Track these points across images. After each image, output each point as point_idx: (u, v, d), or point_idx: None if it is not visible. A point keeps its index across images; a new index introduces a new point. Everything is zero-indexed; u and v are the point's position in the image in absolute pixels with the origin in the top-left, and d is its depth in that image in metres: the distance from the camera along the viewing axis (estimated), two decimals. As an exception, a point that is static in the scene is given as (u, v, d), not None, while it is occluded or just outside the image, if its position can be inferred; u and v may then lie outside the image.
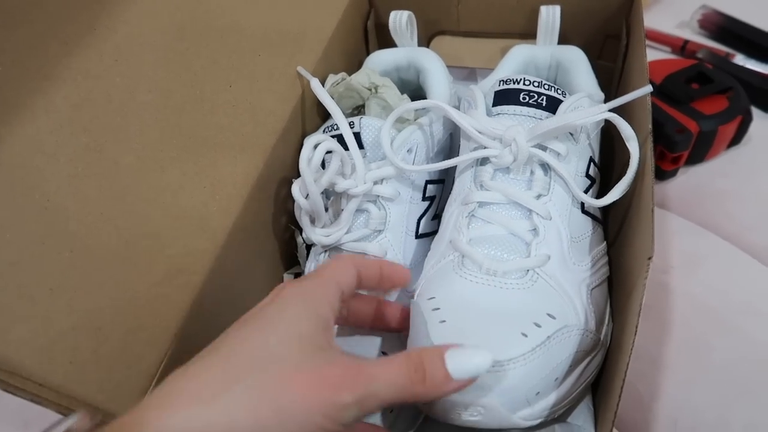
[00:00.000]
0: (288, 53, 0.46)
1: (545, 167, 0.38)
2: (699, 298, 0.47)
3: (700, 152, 0.55)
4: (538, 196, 0.37)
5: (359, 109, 0.50)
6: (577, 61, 0.46)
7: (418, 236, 0.44)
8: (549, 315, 0.33)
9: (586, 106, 0.39)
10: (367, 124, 0.43)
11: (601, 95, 0.44)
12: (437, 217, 0.46)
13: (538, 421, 0.32)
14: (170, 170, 0.36)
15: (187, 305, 0.36)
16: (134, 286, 0.33)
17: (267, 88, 0.44)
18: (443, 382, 0.27)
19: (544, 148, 0.38)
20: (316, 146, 0.40)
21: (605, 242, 0.41)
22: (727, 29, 0.68)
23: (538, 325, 0.32)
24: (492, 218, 0.37)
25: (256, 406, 0.23)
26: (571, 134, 0.39)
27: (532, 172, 0.38)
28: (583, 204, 0.39)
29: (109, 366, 0.31)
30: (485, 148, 0.38)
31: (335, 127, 0.44)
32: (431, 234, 0.44)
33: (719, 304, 0.47)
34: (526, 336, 0.31)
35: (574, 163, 0.39)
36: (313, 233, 0.42)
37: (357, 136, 0.43)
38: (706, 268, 0.49)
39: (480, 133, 0.38)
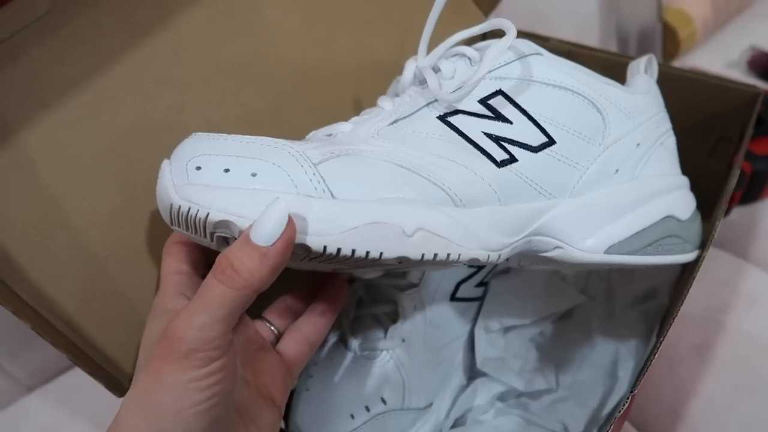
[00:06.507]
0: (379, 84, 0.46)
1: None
2: (757, 338, 0.47)
3: (753, 192, 0.55)
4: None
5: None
6: None
7: (453, 298, 0.43)
8: None
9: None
10: None
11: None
12: (482, 285, 0.45)
13: None
14: None
15: None
16: (137, 241, 0.35)
17: (348, 106, 0.45)
18: (261, 257, 0.25)
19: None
20: None
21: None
22: (776, 70, 0.68)
23: None
24: None
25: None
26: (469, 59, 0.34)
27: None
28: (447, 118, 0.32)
29: (97, 293, 0.34)
30: None
31: None
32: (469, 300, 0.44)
33: (778, 344, 0.46)
34: None
35: (457, 80, 0.33)
36: None
37: None
38: (763, 308, 0.49)
39: None
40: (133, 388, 0.26)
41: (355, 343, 0.41)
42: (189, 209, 0.27)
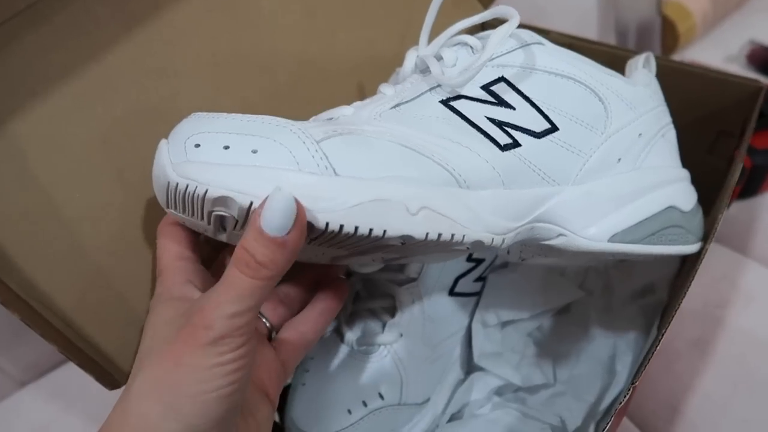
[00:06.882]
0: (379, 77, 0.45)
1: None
2: (755, 334, 0.47)
3: (753, 186, 0.55)
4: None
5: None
6: None
7: (451, 293, 0.43)
8: None
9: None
10: None
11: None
12: (481, 280, 0.45)
13: None
14: None
15: None
16: (130, 233, 0.35)
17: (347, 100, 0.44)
18: (281, 247, 0.25)
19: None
20: None
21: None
22: (775, 64, 0.68)
23: None
24: None
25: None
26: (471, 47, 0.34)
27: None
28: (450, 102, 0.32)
29: (89, 285, 0.33)
30: None
31: None
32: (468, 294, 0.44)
33: (777, 340, 0.46)
34: None
35: (459, 68, 0.33)
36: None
37: None
38: (761, 303, 0.49)
39: None
40: (143, 373, 0.26)
41: (352, 337, 0.41)
42: (187, 186, 0.26)
